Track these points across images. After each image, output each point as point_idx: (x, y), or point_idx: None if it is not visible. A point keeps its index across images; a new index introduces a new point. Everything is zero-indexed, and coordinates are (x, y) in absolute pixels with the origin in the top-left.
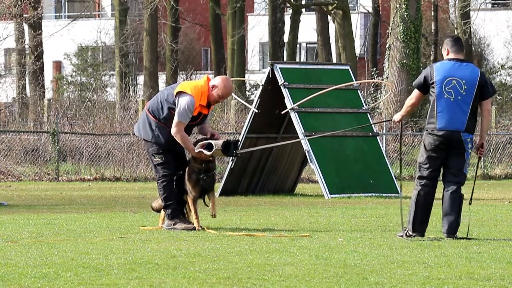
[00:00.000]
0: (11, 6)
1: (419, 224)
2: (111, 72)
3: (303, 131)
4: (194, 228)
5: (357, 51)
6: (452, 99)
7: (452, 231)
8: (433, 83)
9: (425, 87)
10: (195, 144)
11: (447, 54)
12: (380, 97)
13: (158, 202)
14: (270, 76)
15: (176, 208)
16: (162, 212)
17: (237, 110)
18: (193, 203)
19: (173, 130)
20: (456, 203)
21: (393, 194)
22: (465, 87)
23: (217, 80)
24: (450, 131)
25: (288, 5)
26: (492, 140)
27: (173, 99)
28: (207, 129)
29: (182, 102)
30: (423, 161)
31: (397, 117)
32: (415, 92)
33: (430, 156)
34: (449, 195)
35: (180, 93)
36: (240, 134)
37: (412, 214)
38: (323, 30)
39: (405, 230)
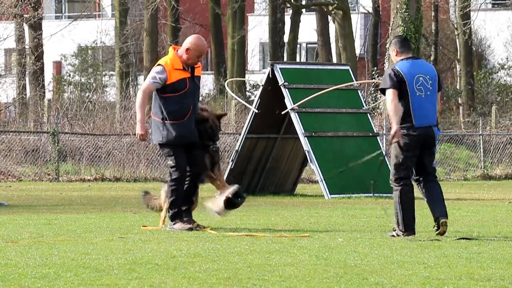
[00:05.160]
0: (11, 6)
1: (409, 223)
2: (111, 72)
3: (303, 132)
4: (191, 229)
5: (357, 51)
6: (423, 96)
7: (445, 214)
8: (404, 82)
9: (399, 86)
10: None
11: (396, 55)
12: (380, 97)
13: (157, 201)
14: (270, 76)
15: (179, 211)
16: (163, 213)
17: (237, 110)
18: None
19: (139, 91)
20: (441, 190)
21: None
22: (430, 82)
23: (187, 42)
24: (425, 127)
25: (288, 5)
26: (492, 140)
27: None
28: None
29: (150, 72)
30: (400, 162)
31: (394, 130)
32: (393, 92)
33: (407, 156)
34: (432, 186)
35: None
36: (240, 134)
37: (401, 215)
38: (323, 30)
39: (395, 230)
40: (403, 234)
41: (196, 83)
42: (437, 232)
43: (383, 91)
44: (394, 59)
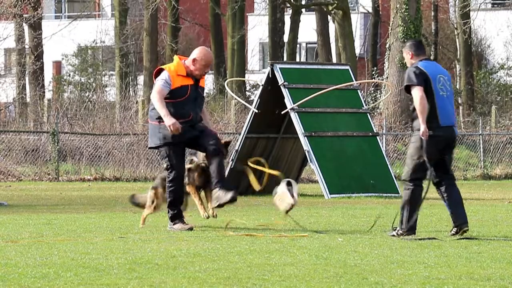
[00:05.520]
0: (11, 6)
1: (413, 223)
2: (111, 72)
3: (303, 131)
4: (191, 229)
5: (357, 51)
6: (445, 96)
7: (467, 221)
8: (429, 81)
9: (425, 83)
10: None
11: (411, 58)
12: (380, 97)
13: (144, 198)
14: (270, 76)
15: (178, 211)
16: (145, 213)
17: (237, 110)
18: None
19: (153, 93)
20: (460, 194)
21: (393, 194)
22: (448, 83)
23: (194, 53)
24: (449, 126)
25: (288, 5)
26: (492, 140)
27: None
28: (205, 115)
29: (158, 77)
30: (421, 163)
31: (423, 130)
32: (421, 89)
33: (429, 159)
34: (453, 190)
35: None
36: (240, 134)
37: (407, 215)
38: (323, 30)
39: (395, 229)
40: (404, 234)
41: (198, 92)
42: (454, 234)
43: (407, 89)
44: (409, 62)
